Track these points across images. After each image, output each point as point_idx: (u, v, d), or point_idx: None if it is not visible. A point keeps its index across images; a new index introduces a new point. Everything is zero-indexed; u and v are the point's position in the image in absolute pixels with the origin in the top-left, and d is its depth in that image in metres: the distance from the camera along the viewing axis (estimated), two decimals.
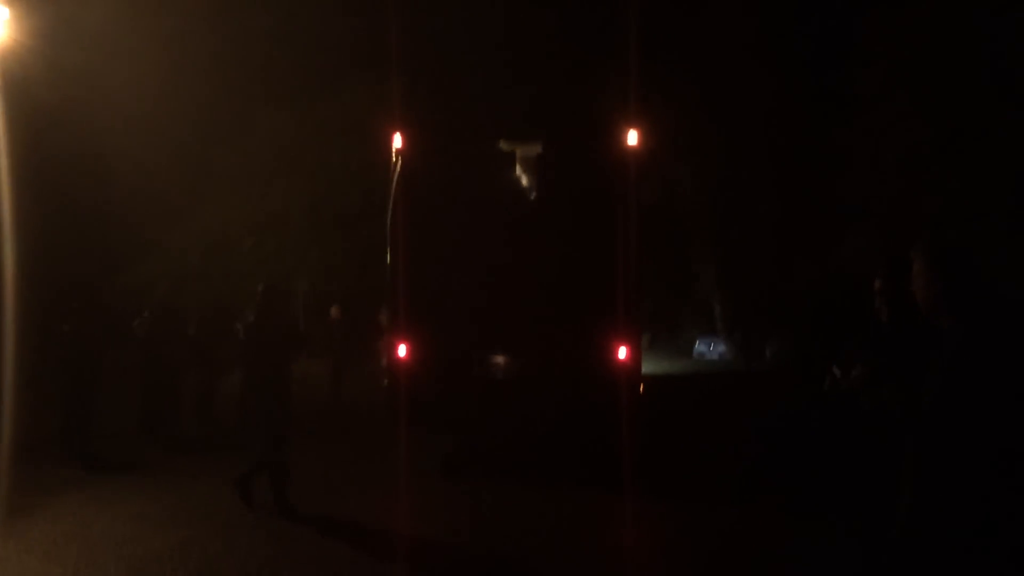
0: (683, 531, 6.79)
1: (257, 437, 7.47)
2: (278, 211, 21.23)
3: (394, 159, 8.62)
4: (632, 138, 8.61)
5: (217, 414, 12.09)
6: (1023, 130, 14.65)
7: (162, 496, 8.11)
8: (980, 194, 15.08)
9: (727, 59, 20.17)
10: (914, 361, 3.14)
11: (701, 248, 23.94)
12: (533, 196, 8.82)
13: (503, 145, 8.74)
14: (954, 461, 2.83)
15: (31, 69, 12.59)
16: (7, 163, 11.92)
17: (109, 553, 6.38)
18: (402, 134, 8.63)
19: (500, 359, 8.50)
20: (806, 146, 19.21)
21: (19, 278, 12.08)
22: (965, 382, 2.84)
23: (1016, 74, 15.04)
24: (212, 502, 7.80)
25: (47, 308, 11.48)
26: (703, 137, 20.93)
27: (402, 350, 8.54)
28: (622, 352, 8.26)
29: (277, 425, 7.36)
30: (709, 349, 27.27)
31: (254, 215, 21.32)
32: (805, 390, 9.64)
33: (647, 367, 10.85)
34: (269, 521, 7.14)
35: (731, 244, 22.63)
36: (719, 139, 20.85)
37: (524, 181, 8.88)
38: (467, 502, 7.76)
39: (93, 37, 17.38)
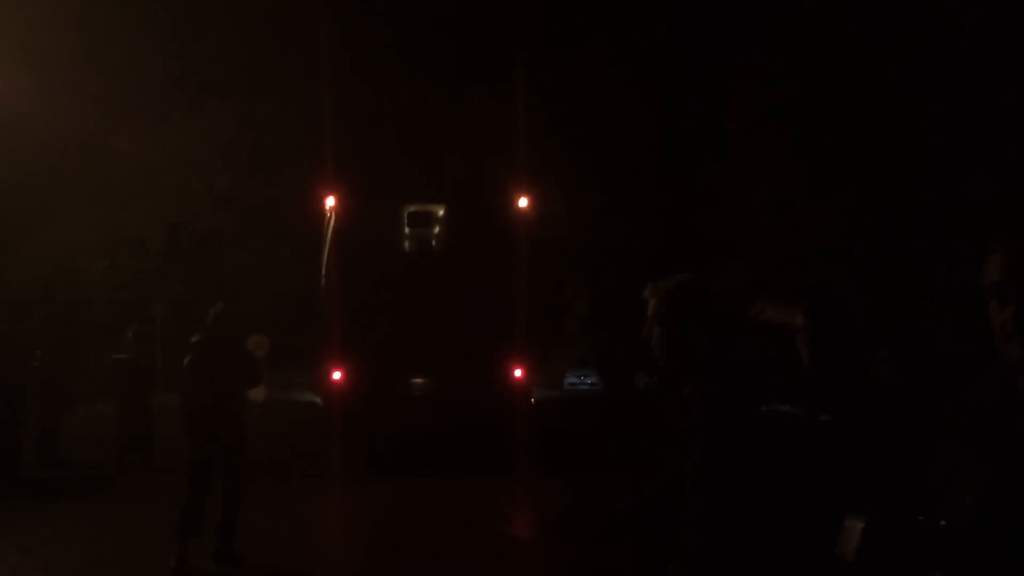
0: (565, 507, 8.17)
1: (194, 476, 6.25)
2: (135, 234, 19.92)
3: (327, 216, 10.50)
4: (522, 202, 10.79)
5: (62, 454, 10.96)
6: (885, 169, 15.47)
7: (3, 549, 7.17)
8: (844, 232, 15.78)
9: (605, 100, 20.57)
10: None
11: (577, 283, 24.21)
12: (439, 247, 10.83)
13: (412, 206, 10.90)
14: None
15: None
16: None
17: None
18: (334, 196, 10.58)
19: (418, 380, 10.39)
20: (679, 183, 19.73)
21: None
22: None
23: (874, 117, 15.91)
24: (52, 553, 6.94)
25: None
26: (580, 174, 21.19)
27: (336, 375, 10.31)
28: (517, 372, 10.43)
29: (225, 465, 6.27)
30: (580, 379, 27.54)
31: (108, 237, 19.92)
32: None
33: None
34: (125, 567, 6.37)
35: (605, 279, 22.95)
36: (595, 176, 21.15)
37: (430, 234, 10.91)
38: (390, 492, 9.16)
39: None
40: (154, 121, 20.44)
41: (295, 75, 21.10)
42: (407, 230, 10.82)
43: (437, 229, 10.88)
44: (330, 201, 10.52)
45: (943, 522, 1.68)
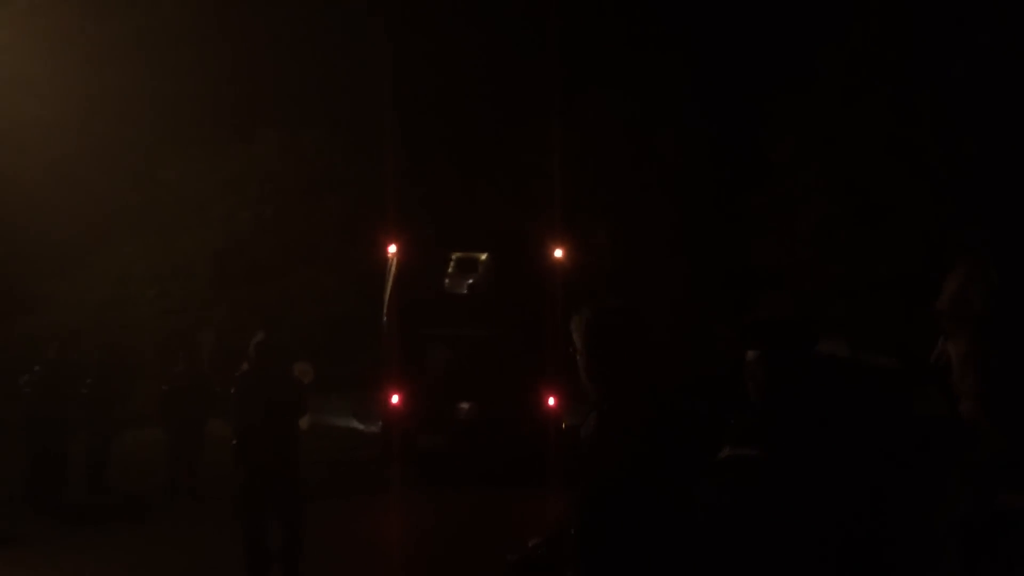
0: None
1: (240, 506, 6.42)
2: (183, 262, 20.30)
3: (389, 262, 12.53)
4: (557, 253, 12.58)
5: (107, 481, 11.18)
6: (929, 199, 15.28)
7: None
8: (889, 262, 15.56)
9: (643, 124, 20.63)
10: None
11: None
12: (481, 290, 12.48)
13: (458, 253, 12.93)
14: None
15: None
16: None
17: None
18: (396, 244, 12.54)
19: (464, 404, 11.89)
20: (721, 213, 19.63)
21: None
22: None
23: (922, 145, 15.74)
24: None
25: None
26: (620, 205, 21.20)
27: (395, 398, 11.92)
28: (551, 401, 11.99)
29: (279, 494, 6.37)
30: None
31: (158, 265, 20.32)
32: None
33: None
34: None
35: (646, 309, 22.79)
36: (636, 207, 21.13)
37: (474, 278, 12.63)
38: (438, 502, 10.43)
39: None
40: (203, 151, 20.86)
41: (340, 108, 21.48)
42: (455, 274, 12.80)
43: (480, 274, 12.75)
44: (392, 248, 12.55)
45: None
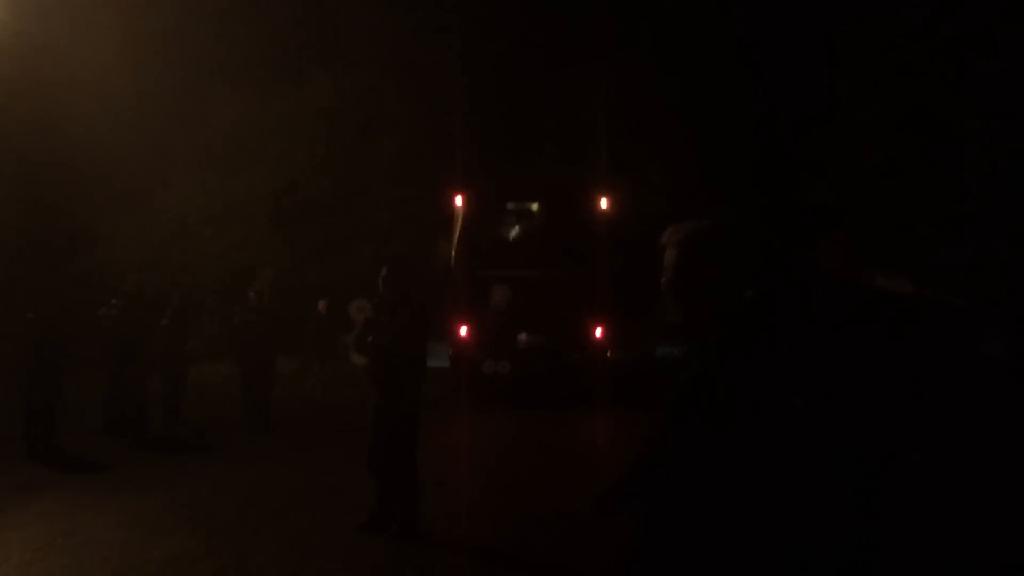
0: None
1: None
2: (240, 200, 20.51)
3: (456, 210, 14.14)
4: (603, 203, 14.06)
5: (185, 411, 11.54)
6: (999, 136, 14.83)
7: (143, 500, 7.60)
8: (958, 199, 15.19)
9: (703, 61, 20.18)
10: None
11: None
12: (536, 235, 13.97)
13: (512, 203, 14.42)
14: None
15: None
16: None
17: (98, 564, 5.89)
18: (461, 195, 14.15)
19: (524, 336, 13.38)
20: (779, 150, 19.22)
21: None
22: None
23: (993, 81, 15.19)
24: (199, 507, 7.33)
25: (4, 297, 10.79)
26: (677, 142, 20.87)
27: (463, 330, 13.54)
28: (598, 332, 13.55)
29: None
30: (669, 348, 27.22)
31: (214, 203, 20.57)
32: None
33: None
34: (266, 528, 6.69)
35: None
36: (693, 145, 20.77)
37: (529, 225, 14.22)
38: (502, 420, 12.03)
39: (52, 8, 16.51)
40: (256, 92, 20.86)
41: (393, 50, 21.38)
42: (511, 222, 14.28)
43: (533, 222, 14.24)
44: (458, 200, 14.15)
45: None
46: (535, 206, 14.37)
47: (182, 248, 20.24)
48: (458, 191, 14.25)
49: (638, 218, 15.72)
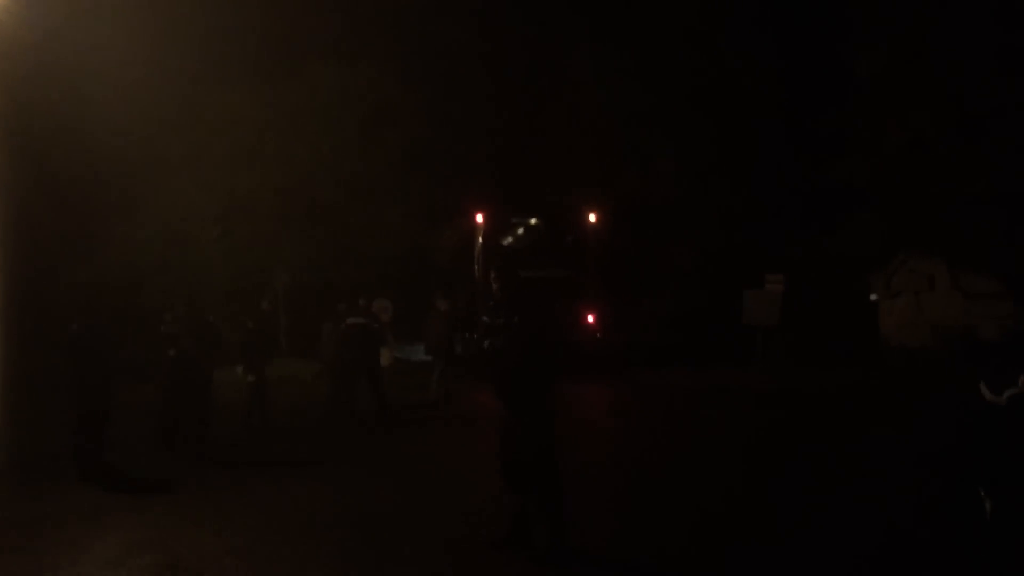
0: (637, 395, 15.35)
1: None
2: (245, 200, 19.87)
3: (478, 226, 17.65)
4: (592, 217, 18.21)
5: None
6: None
7: (245, 518, 7.04)
8: (989, 174, 14.92)
9: (723, 36, 19.86)
10: None
11: (683, 241, 23.31)
12: (539, 242, 17.84)
13: (515, 218, 18.34)
14: None
15: None
16: None
17: None
18: (481, 215, 17.65)
19: None
20: (796, 131, 18.91)
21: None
22: None
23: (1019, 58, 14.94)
24: (305, 526, 6.82)
25: (43, 306, 10.22)
26: (689, 126, 20.49)
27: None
28: (590, 318, 17.63)
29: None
30: None
31: (218, 203, 19.91)
32: None
33: None
34: (398, 545, 6.23)
35: (712, 233, 22.05)
36: (705, 128, 20.38)
37: (530, 235, 18.14)
38: None
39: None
40: (255, 86, 20.22)
41: (395, 43, 20.96)
42: (518, 233, 18.05)
43: (536, 233, 18.14)
44: (479, 218, 17.67)
45: None
46: (533, 220, 18.41)
47: (187, 251, 19.58)
48: (479, 210, 17.72)
49: (622, 230, 19.78)
